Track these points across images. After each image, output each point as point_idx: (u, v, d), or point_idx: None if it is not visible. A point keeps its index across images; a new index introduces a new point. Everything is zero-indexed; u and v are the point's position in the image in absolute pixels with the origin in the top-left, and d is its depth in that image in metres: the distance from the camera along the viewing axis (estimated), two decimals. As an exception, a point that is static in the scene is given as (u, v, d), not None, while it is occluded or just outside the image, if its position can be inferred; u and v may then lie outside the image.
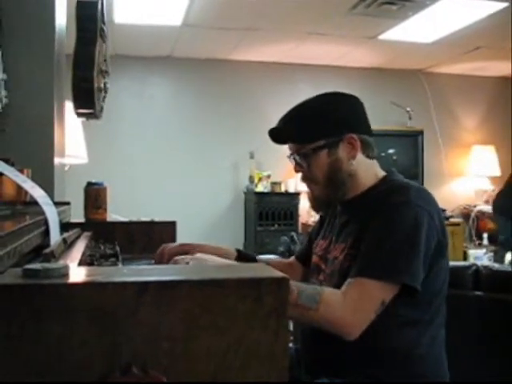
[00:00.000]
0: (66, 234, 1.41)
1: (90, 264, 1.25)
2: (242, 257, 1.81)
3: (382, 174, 1.65)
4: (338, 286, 1.47)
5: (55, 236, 1.25)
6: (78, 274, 0.72)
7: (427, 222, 1.45)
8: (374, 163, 1.66)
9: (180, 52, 6.17)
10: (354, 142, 1.58)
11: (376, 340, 1.43)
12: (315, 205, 1.72)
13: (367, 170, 1.63)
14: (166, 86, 6.52)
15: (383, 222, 1.47)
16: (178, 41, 5.76)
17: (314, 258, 1.74)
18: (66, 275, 0.69)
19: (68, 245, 1.37)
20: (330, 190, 1.62)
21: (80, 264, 1.17)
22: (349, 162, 1.59)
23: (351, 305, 1.39)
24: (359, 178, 1.61)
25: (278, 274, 0.73)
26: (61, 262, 0.81)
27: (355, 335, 1.37)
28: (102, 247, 1.65)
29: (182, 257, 1.48)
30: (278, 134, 1.66)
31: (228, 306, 0.69)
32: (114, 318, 0.66)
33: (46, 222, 1.22)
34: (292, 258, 1.96)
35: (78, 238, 1.62)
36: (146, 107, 6.35)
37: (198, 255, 1.49)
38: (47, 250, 1.04)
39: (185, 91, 6.49)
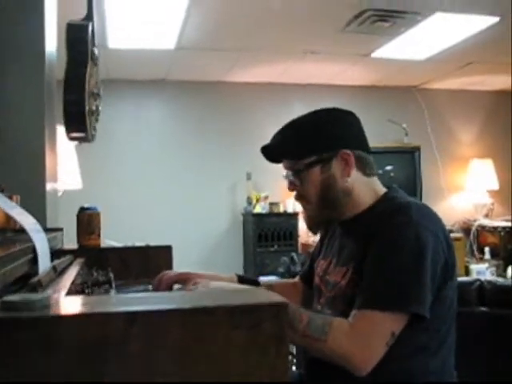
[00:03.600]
0: (56, 262, 1.36)
1: (81, 292, 1.20)
2: (243, 281, 1.75)
3: (382, 191, 1.59)
4: (342, 312, 1.42)
5: (44, 264, 1.20)
6: (61, 305, 0.68)
7: (432, 242, 1.39)
8: (373, 181, 1.60)
9: (174, 75, 6.17)
10: (347, 158, 1.53)
11: (383, 368, 1.34)
12: (310, 225, 1.66)
13: (365, 188, 1.57)
14: (161, 110, 6.51)
15: (385, 245, 1.40)
16: (173, 64, 5.75)
17: (316, 279, 1.69)
18: (47, 307, 0.64)
19: (58, 272, 1.32)
20: (323, 209, 1.56)
21: (69, 293, 1.12)
22: (343, 179, 1.53)
23: (360, 340, 1.33)
24: (357, 196, 1.55)
25: (277, 298, 0.68)
26: (44, 293, 0.76)
27: (366, 371, 1.32)
28: (95, 274, 1.60)
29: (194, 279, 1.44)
30: (270, 151, 1.62)
31: (222, 335, 0.64)
32: (101, 352, 0.61)
33: (34, 250, 1.17)
34: (297, 279, 1.90)
35: (69, 265, 1.57)
36: (142, 131, 6.33)
37: (211, 283, 1.45)
38: (34, 279, 1.00)
39: (180, 114, 6.47)
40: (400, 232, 1.40)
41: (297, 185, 1.58)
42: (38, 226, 1.31)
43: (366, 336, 1.34)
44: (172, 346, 0.63)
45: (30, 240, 1.22)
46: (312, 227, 1.67)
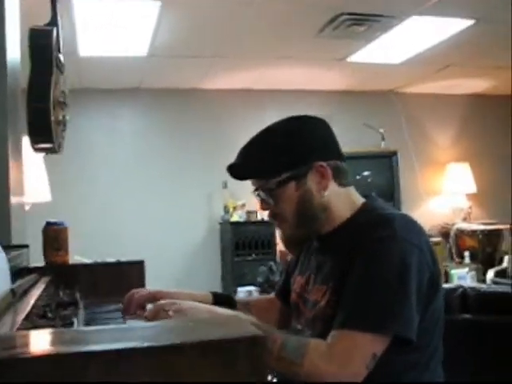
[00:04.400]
0: (17, 283, 1.26)
1: (43, 317, 1.10)
2: (219, 300, 1.65)
3: (360, 201, 1.49)
4: (321, 333, 1.33)
5: (1, 287, 1.10)
6: (4, 343, 0.58)
7: (417, 257, 1.30)
8: (349, 190, 1.50)
9: (148, 83, 6.07)
10: (323, 171, 1.42)
11: None
12: (287, 245, 1.56)
13: (342, 200, 1.46)
14: (135, 118, 6.40)
15: (368, 261, 1.30)
16: (146, 71, 5.66)
17: (293, 296, 1.59)
18: (-12, 347, 0.55)
19: (20, 295, 1.22)
20: (301, 228, 1.46)
21: (29, 318, 1.02)
22: (320, 194, 1.43)
23: (338, 361, 1.24)
24: (334, 209, 1.45)
25: (251, 330, 0.59)
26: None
27: None
28: (61, 294, 1.49)
29: (166, 302, 1.34)
30: (237, 171, 1.48)
31: (193, 375, 0.55)
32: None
33: (-11, 272, 1.07)
34: (272, 295, 1.80)
35: (33, 284, 1.47)
36: (115, 140, 6.22)
37: (183, 302, 1.35)
38: (-14, 307, 0.90)
39: (155, 123, 6.37)
40: (383, 247, 1.31)
41: (270, 204, 1.47)
42: (-5, 245, 1.21)
43: (344, 357, 1.25)
44: (133, 391, 0.54)
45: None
46: (290, 247, 1.58)
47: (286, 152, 1.43)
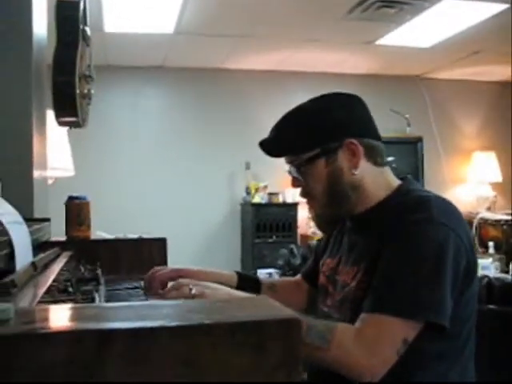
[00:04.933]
0: (38, 257, 1.24)
1: (64, 291, 1.09)
2: (244, 280, 1.62)
3: (396, 182, 1.44)
4: (348, 316, 1.30)
5: (23, 260, 1.08)
6: (24, 318, 0.55)
7: (454, 242, 1.25)
8: (385, 170, 1.45)
9: (173, 61, 6.03)
10: (354, 148, 1.38)
11: (397, 377, 1.22)
12: (319, 224, 1.52)
13: (376, 180, 1.42)
14: (158, 96, 6.38)
15: (402, 245, 1.26)
16: (171, 49, 5.61)
17: (321, 278, 1.55)
18: (8, 321, 0.52)
19: (41, 268, 1.20)
20: (332, 206, 1.42)
21: (49, 292, 1.00)
22: (351, 172, 1.39)
23: (368, 346, 1.19)
24: (367, 189, 1.40)
25: (286, 312, 0.56)
26: (8, 302, 0.64)
27: (374, 380, 1.18)
28: (83, 269, 1.47)
29: (187, 281, 1.31)
30: (269, 146, 1.46)
31: (220, 358, 0.52)
32: (66, 381, 0.49)
33: (10, 244, 1.05)
34: (298, 277, 1.76)
35: (55, 259, 1.45)
36: (138, 118, 6.21)
37: (204, 283, 1.31)
38: (7, 279, 0.88)
39: (178, 101, 6.34)
40: (420, 230, 1.26)
41: (301, 181, 1.44)
42: (17, 217, 1.19)
43: (374, 342, 1.21)
44: (157, 372, 0.51)
45: (6, 233, 1.09)
46: (321, 227, 1.54)
47: (316, 128, 1.40)
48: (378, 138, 1.45)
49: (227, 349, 0.52)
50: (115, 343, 0.50)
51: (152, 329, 0.51)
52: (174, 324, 0.51)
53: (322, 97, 1.46)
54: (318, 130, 1.40)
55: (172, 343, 0.51)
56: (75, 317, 0.58)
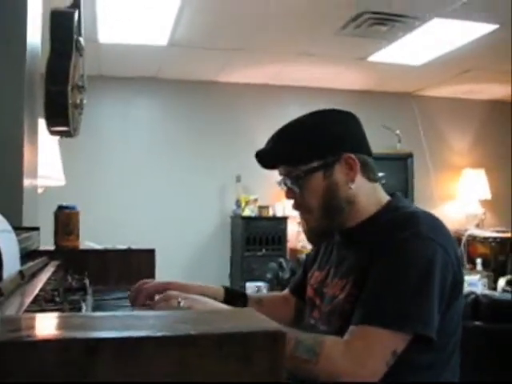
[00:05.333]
0: (26, 265, 1.23)
1: (51, 301, 1.08)
2: (230, 295, 1.61)
3: (385, 199, 1.47)
4: (337, 328, 1.30)
5: (10, 268, 1.08)
6: (10, 326, 0.55)
7: (441, 258, 1.27)
8: (376, 187, 1.48)
9: (166, 73, 6.05)
10: (352, 163, 1.40)
11: None
12: (310, 237, 1.52)
13: (369, 195, 1.44)
14: (150, 108, 6.39)
15: (391, 260, 1.28)
16: (164, 61, 5.64)
17: (309, 291, 1.56)
18: (-7, 328, 0.52)
19: (28, 277, 1.20)
20: (326, 220, 1.43)
21: (35, 301, 1.00)
22: (347, 186, 1.41)
23: (357, 358, 1.20)
24: (360, 203, 1.43)
25: (272, 324, 0.57)
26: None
27: None
28: (70, 279, 1.47)
29: (176, 293, 1.30)
30: (266, 157, 1.47)
31: (206, 369, 0.52)
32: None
33: (-2, 252, 1.05)
34: (286, 291, 1.76)
35: (43, 268, 1.45)
36: (130, 129, 6.22)
37: (193, 296, 1.31)
38: (-6, 287, 0.87)
39: (170, 113, 6.36)
40: (408, 246, 1.28)
41: (295, 192, 1.45)
42: (6, 225, 1.18)
43: (363, 354, 1.21)
44: (143, 382, 0.51)
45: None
46: (312, 239, 1.54)
47: (315, 141, 1.42)
48: (370, 154, 1.48)
49: (214, 360, 0.52)
50: (102, 352, 0.50)
51: (138, 339, 0.51)
52: (160, 334, 0.52)
53: (319, 112, 1.48)
54: (317, 143, 1.42)
55: (158, 353, 0.51)
56: (62, 325, 0.58)
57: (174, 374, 0.52)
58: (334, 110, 1.50)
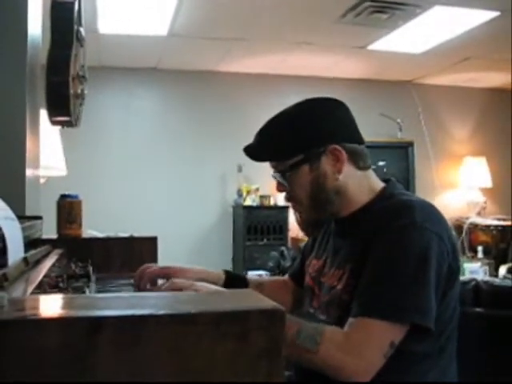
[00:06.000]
0: (30, 253, 1.26)
1: (55, 287, 1.10)
2: (231, 279, 1.63)
3: (379, 186, 1.47)
4: (336, 318, 1.32)
5: (15, 255, 1.10)
6: (16, 306, 0.57)
7: (437, 246, 1.27)
8: (368, 174, 1.47)
9: (166, 63, 6.05)
10: (338, 154, 1.39)
11: (379, 375, 1.23)
12: (303, 228, 1.53)
13: (360, 184, 1.44)
14: (151, 98, 6.40)
15: (387, 250, 1.28)
16: (165, 51, 5.64)
17: (307, 279, 1.58)
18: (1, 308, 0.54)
19: (32, 264, 1.22)
20: (316, 211, 1.44)
21: (41, 287, 1.02)
22: (334, 177, 1.40)
23: (355, 350, 1.22)
24: (351, 193, 1.43)
25: (269, 303, 0.59)
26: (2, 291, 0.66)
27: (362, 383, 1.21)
28: (73, 266, 1.49)
29: (181, 281, 1.32)
30: (253, 152, 1.47)
31: (204, 346, 0.54)
32: (57, 367, 0.51)
33: (3, 239, 1.07)
34: (286, 277, 1.78)
35: (46, 256, 1.47)
36: (131, 119, 6.22)
37: (196, 284, 1.32)
38: (-1, 273, 0.89)
39: (171, 103, 6.36)
40: (403, 235, 1.29)
41: (285, 186, 1.46)
42: (10, 213, 1.20)
43: (361, 346, 1.23)
44: (145, 359, 0.53)
45: (-1, 229, 1.11)
46: (306, 230, 1.55)
47: (299, 134, 1.42)
48: (360, 141, 1.47)
49: (212, 337, 0.54)
50: (105, 330, 0.52)
51: (141, 316, 0.53)
52: (161, 312, 0.54)
53: (305, 102, 1.47)
54: (302, 137, 1.42)
55: (159, 331, 0.53)
56: (67, 305, 0.60)
57: (174, 350, 0.54)
58: (319, 99, 1.49)
